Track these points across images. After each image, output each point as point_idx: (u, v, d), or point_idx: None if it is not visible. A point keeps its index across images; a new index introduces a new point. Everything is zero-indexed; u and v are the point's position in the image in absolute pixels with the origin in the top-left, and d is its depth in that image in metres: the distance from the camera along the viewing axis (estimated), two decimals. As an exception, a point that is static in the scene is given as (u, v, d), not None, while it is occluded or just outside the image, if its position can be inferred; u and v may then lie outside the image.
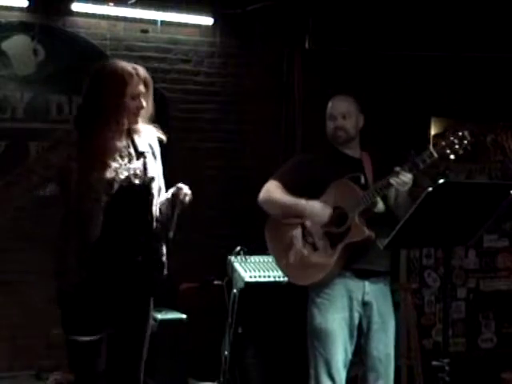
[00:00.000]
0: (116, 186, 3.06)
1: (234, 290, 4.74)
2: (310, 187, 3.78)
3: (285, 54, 5.72)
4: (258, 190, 3.88)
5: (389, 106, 5.78)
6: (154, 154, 3.22)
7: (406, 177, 3.54)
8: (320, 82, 5.57)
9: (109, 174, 3.05)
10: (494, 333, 6.22)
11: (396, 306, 4.01)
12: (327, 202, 3.72)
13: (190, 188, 3.16)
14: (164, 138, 3.26)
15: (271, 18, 5.59)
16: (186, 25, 5.49)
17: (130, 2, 5.20)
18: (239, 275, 4.73)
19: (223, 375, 4.78)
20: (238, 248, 4.90)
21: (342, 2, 5.54)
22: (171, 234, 3.13)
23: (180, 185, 3.17)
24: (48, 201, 5.01)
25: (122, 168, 3.09)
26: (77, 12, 5.15)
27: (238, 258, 4.86)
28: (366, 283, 3.75)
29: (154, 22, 5.38)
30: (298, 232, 3.78)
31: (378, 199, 3.67)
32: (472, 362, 5.83)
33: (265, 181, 3.91)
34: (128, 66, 3.12)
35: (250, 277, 4.72)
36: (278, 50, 5.70)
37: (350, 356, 3.78)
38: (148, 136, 3.22)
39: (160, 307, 4.70)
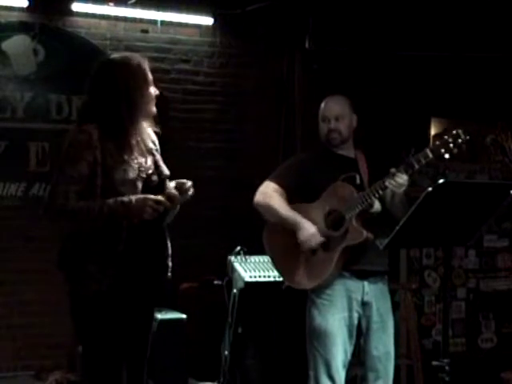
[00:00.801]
0: (139, 186, 2.94)
1: (234, 290, 4.74)
2: (305, 188, 3.78)
3: (285, 54, 5.72)
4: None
5: (389, 106, 5.78)
6: (157, 150, 3.13)
7: (402, 178, 3.54)
8: (320, 82, 5.57)
9: (132, 174, 2.93)
10: (494, 333, 6.22)
11: (396, 306, 4.01)
12: (324, 206, 3.72)
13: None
14: (159, 130, 3.13)
15: (271, 18, 5.59)
16: (186, 25, 5.49)
17: (129, 2, 5.20)
18: (239, 275, 4.73)
19: (223, 375, 4.78)
20: (238, 248, 4.90)
21: (342, 2, 5.53)
22: (165, 225, 3.06)
23: (183, 180, 3.07)
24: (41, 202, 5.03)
25: (142, 166, 2.98)
26: (77, 12, 5.15)
27: (238, 257, 4.86)
28: (366, 283, 3.76)
29: (154, 22, 5.38)
30: (296, 236, 3.78)
31: (375, 200, 3.66)
32: (472, 362, 5.84)
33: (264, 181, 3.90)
34: (129, 55, 3.07)
35: (250, 277, 4.72)
36: (278, 49, 5.70)
37: (349, 356, 3.78)
38: (149, 132, 3.10)
39: (160, 307, 4.70)
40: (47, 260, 5.03)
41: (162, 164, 3.07)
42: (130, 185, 2.91)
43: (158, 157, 3.09)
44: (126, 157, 2.91)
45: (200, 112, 5.58)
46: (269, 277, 4.74)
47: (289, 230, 3.76)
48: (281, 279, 4.02)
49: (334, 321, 3.71)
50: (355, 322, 3.76)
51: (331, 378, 3.72)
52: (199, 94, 5.59)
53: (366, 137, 4.01)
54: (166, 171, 3.06)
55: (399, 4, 5.52)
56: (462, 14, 5.58)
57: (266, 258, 4.81)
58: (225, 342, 4.80)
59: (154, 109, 3.03)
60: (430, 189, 2.86)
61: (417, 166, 3.54)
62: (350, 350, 3.76)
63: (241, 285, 4.70)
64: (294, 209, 3.77)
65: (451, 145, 3.46)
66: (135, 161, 2.95)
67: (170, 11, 5.36)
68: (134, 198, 2.86)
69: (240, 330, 4.72)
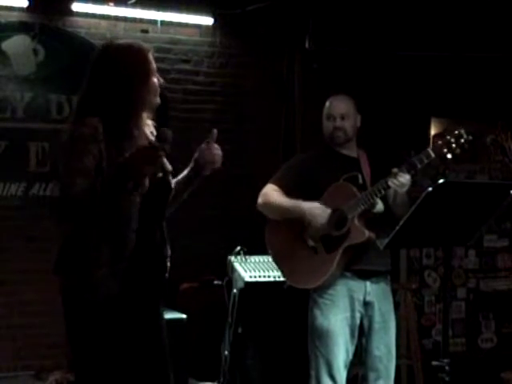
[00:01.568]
0: (146, 183, 2.72)
1: (234, 290, 4.74)
2: (307, 188, 3.78)
3: (285, 54, 5.72)
4: (258, 190, 3.87)
5: (389, 106, 5.78)
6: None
7: (404, 178, 3.54)
8: (320, 82, 5.57)
9: None
10: (494, 333, 6.22)
11: (396, 306, 4.01)
12: (326, 205, 3.72)
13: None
14: (154, 123, 2.92)
15: (271, 18, 5.59)
16: (186, 25, 5.49)
17: (129, 2, 5.20)
18: (239, 275, 4.73)
19: (223, 375, 4.78)
20: (238, 248, 4.90)
21: (342, 2, 5.53)
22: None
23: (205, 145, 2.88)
24: (48, 201, 5.03)
25: None
26: (77, 12, 5.15)
27: (238, 258, 4.86)
28: (368, 283, 3.76)
29: (154, 22, 5.38)
30: (298, 236, 3.78)
31: (377, 200, 3.66)
32: (472, 361, 5.84)
33: (265, 181, 3.90)
34: (131, 41, 2.91)
35: (250, 277, 4.71)
36: (278, 49, 5.70)
37: (350, 356, 3.78)
38: (149, 124, 2.92)
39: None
40: (47, 260, 5.00)
41: (165, 159, 2.86)
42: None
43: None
44: (129, 150, 2.69)
45: (200, 112, 5.58)
46: (269, 277, 4.74)
47: (291, 229, 3.76)
48: (281, 279, 4.02)
49: (336, 321, 3.71)
50: (357, 321, 3.76)
51: (332, 377, 3.72)
52: (199, 94, 5.59)
53: (366, 137, 4.01)
54: (169, 166, 2.90)
55: (399, 4, 5.52)
56: (462, 13, 5.58)
57: (266, 258, 4.81)
58: (225, 341, 4.80)
59: (158, 99, 2.86)
60: (430, 189, 2.85)
61: (419, 166, 3.54)
62: (351, 349, 3.77)
63: (241, 285, 4.70)
64: None
65: (453, 145, 3.46)
66: None
67: (170, 11, 5.36)
68: (126, 156, 2.64)
69: (240, 330, 4.72)
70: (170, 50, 5.49)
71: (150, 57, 2.83)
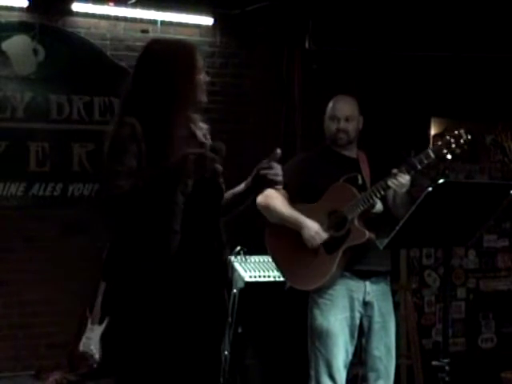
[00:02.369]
0: (190, 182, 2.64)
1: (234, 290, 4.73)
2: (307, 188, 3.78)
3: (285, 54, 5.72)
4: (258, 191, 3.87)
5: (389, 106, 5.78)
6: (209, 144, 2.84)
7: (404, 178, 3.54)
8: (320, 82, 5.57)
9: None
10: (494, 333, 6.22)
11: (396, 306, 4.01)
12: (326, 206, 3.72)
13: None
14: (207, 126, 2.84)
15: (271, 18, 5.59)
16: (186, 25, 5.48)
17: (129, 2, 5.19)
18: (239, 275, 4.73)
19: (223, 375, 4.78)
20: (238, 248, 4.90)
21: (342, 2, 5.53)
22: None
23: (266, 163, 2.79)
24: (48, 201, 5.03)
25: None
26: (77, 12, 5.15)
27: (238, 257, 4.86)
28: (367, 283, 3.76)
29: (154, 22, 5.37)
30: (298, 237, 3.78)
31: (377, 200, 3.67)
32: (472, 361, 5.84)
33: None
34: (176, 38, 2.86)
35: (250, 277, 4.71)
36: (278, 49, 5.70)
37: (350, 356, 3.78)
38: (200, 125, 2.83)
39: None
40: (47, 260, 5.06)
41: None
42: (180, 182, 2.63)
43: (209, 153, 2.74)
44: (168, 153, 2.61)
45: (200, 112, 5.57)
46: (269, 277, 4.74)
47: (291, 231, 3.76)
48: (281, 279, 4.02)
49: (336, 321, 3.72)
50: (357, 322, 3.76)
51: (332, 377, 3.72)
52: (199, 94, 5.58)
53: (366, 137, 4.01)
54: (221, 168, 2.79)
55: (399, 4, 5.52)
56: (461, 13, 5.58)
57: (266, 258, 4.81)
58: (225, 342, 4.80)
59: (204, 98, 2.77)
60: (430, 189, 2.86)
61: (419, 167, 3.55)
62: (351, 350, 3.77)
63: (241, 285, 4.69)
64: (296, 209, 3.77)
65: (453, 145, 3.46)
66: None
67: (170, 11, 5.35)
68: (172, 160, 2.56)
69: (240, 330, 4.72)
70: (170, 50, 5.48)
71: (197, 54, 2.77)
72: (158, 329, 2.65)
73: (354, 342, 3.78)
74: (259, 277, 4.74)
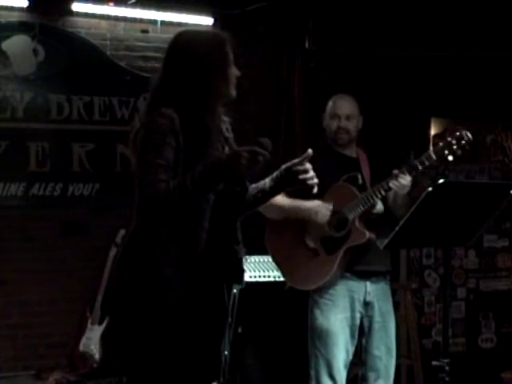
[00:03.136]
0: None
1: (234, 290, 4.73)
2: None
3: (285, 54, 5.72)
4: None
5: (389, 105, 5.77)
6: (232, 139, 2.84)
7: (405, 180, 3.54)
8: (320, 82, 5.57)
9: None
10: (494, 333, 6.22)
11: (396, 306, 4.01)
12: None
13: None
14: (229, 119, 2.80)
15: (271, 18, 5.59)
16: (186, 25, 5.47)
17: (129, 2, 5.19)
18: (239, 275, 4.72)
19: (223, 375, 4.78)
20: (238, 248, 4.89)
21: (342, 2, 5.53)
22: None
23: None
24: (48, 201, 5.03)
25: None
26: (77, 12, 5.15)
27: (238, 258, 4.85)
28: (368, 283, 3.76)
29: (154, 21, 5.37)
30: (298, 238, 3.77)
31: (377, 201, 3.66)
32: (472, 362, 5.83)
33: (265, 181, 3.89)
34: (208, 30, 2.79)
35: (250, 277, 4.72)
36: (278, 49, 5.69)
37: (350, 356, 3.78)
38: (224, 119, 2.78)
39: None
40: (47, 260, 5.06)
41: None
42: None
43: (235, 146, 2.76)
44: (206, 145, 2.59)
45: (200, 112, 5.56)
46: (269, 277, 4.74)
47: (291, 230, 3.76)
48: (281, 279, 4.01)
49: (336, 321, 3.71)
50: (357, 322, 3.76)
51: (332, 377, 3.72)
52: (199, 94, 5.57)
53: (366, 137, 4.01)
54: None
55: (399, 4, 5.52)
56: (461, 14, 5.58)
57: (266, 258, 4.80)
58: (225, 342, 4.80)
59: (234, 92, 2.74)
60: (430, 189, 2.86)
61: (420, 168, 3.54)
62: (351, 350, 3.77)
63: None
64: None
65: (455, 146, 3.46)
66: (216, 151, 2.63)
67: (170, 11, 5.35)
68: (223, 155, 2.56)
69: (240, 330, 4.72)
70: (170, 50, 5.48)
71: (228, 46, 2.70)
72: (159, 329, 2.60)
73: (355, 342, 3.78)
74: (259, 277, 4.74)
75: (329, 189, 3.72)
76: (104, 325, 4.68)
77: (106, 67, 5.18)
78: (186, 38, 2.71)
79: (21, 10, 4.99)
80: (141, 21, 5.35)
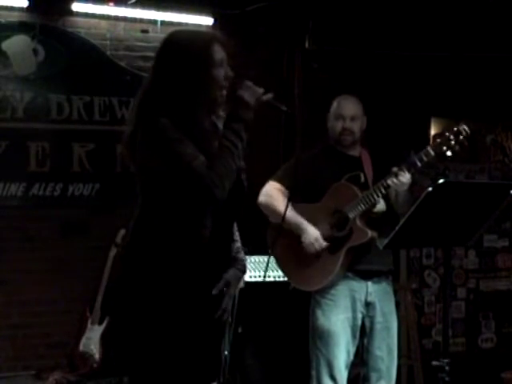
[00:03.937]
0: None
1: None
2: (309, 188, 3.77)
3: (285, 54, 5.72)
4: (258, 190, 3.87)
5: (389, 105, 5.77)
6: None
7: (405, 177, 3.54)
8: (320, 82, 5.57)
9: None
10: (494, 333, 6.22)
11: (396, 306, 4.01)
12: (328, 206, 3.72)
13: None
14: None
15: (271, 18, 5.59)
16: (186, 25, 5.47)
17: (129, 2, 5.19)
18: (239, 275, 4.72)
19: (223, 375, 4.78)
20: (238, 248, 4.89)
21: (342, 2, 5.53)
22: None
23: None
24: (48, 201, 5.03)
25: None
26: (77, 12, 5.15)
27: (238, 257, 4.85)
28: (369, 283, 3.75)
29: (154, 21, 5.37)
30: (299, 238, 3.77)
31: (378, 199, 3.66)
32: (472, 362, 5.83)
33: (265, 180, 3.90)
34: (196, 30, 2.77)
35: (250, 277, 4.71)
36: (278, 49, 5.69)
37: (351, 357, 3.78)
38: (221, 114, 2.78)
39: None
40: (47, 260, 5.06)
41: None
42: None
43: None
44: (202, 143, 2.58)
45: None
46: (269, 277, 4.74)
47: (293, 232, 3.75)
48: (282, 279, 4.01)
49: (337, 321, 3.71)
50: (359, 322, 3.75)
51: (333, 378, 3.72)
52: (199, 94, 5.57)
53: (367, 136, 4.01)
54: (243, 164, 2.78)
55: (399, 4, 5.52)
56: (461, 14, 5.57)
57: (266, 258, 4.80)
58: (225, 342, 4.80)
59: (222, 93, 2.68)
60: (429, 189, 2.85)
61: (419, 164, 3.54)
62: (352, 350, 3.76)
63: (241, 285, 4.69)
64: (298, 209, 3.75)
65: (453, 142, 3.46)
66: (214, 150, 2.62)
67: (170, 11, 5.35)
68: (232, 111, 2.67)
69: (240, 330, 4.72)
70: (170, 50, 5.48)
71: (214, 46, 2.65)
72: (159, 329, 2.60)
73: (356, 342, 3.78)
74: (259, 277, 4.74)
75: (330, 188, 3.72)
76: (104, 325, 4.68)
77: (106, 67, 5.18)
78: (172, 39, 2.71)
79: (21, 10, 4.99)
80: (141, 21, 5.35)
